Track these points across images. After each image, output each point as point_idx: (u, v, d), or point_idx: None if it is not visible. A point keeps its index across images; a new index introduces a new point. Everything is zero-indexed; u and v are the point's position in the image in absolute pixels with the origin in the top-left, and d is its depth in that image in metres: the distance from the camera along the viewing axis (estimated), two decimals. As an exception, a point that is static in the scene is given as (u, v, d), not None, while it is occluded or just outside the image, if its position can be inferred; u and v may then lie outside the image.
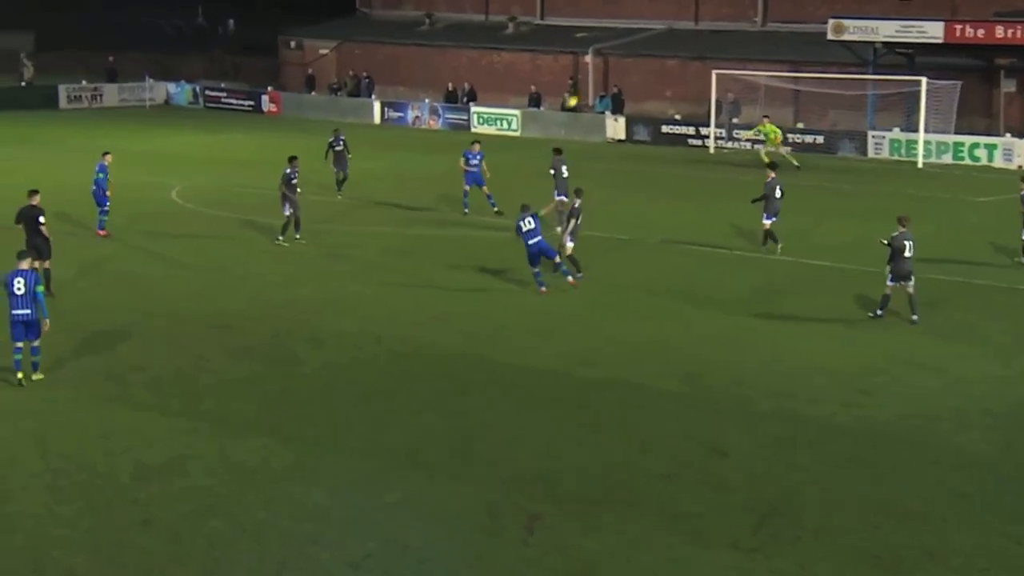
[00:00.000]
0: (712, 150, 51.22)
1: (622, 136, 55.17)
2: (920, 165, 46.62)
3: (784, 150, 46.67)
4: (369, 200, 37.13)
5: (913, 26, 48.77)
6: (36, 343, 19.56)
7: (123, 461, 16.51)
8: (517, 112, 58.00)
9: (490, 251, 29.58)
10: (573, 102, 58.96)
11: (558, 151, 32.66)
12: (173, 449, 16.91)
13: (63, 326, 21.40)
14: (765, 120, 46.95)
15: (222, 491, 15.57)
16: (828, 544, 14.32)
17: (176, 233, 31.73)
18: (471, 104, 60.24)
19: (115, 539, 14.25)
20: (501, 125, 57.79)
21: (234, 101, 67.11)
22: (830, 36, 50.38)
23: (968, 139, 47.67)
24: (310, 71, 69.17)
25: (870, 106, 50.88)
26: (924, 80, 46.23)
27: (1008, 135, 48.00)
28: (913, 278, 23.67)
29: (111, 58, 70.10)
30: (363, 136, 49.95)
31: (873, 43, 50.17)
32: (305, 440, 17.44)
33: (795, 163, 45.37)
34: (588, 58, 61.04)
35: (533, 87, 60.40)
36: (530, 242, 25.46)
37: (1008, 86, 50.90)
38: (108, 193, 30.79)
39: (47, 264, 24.45)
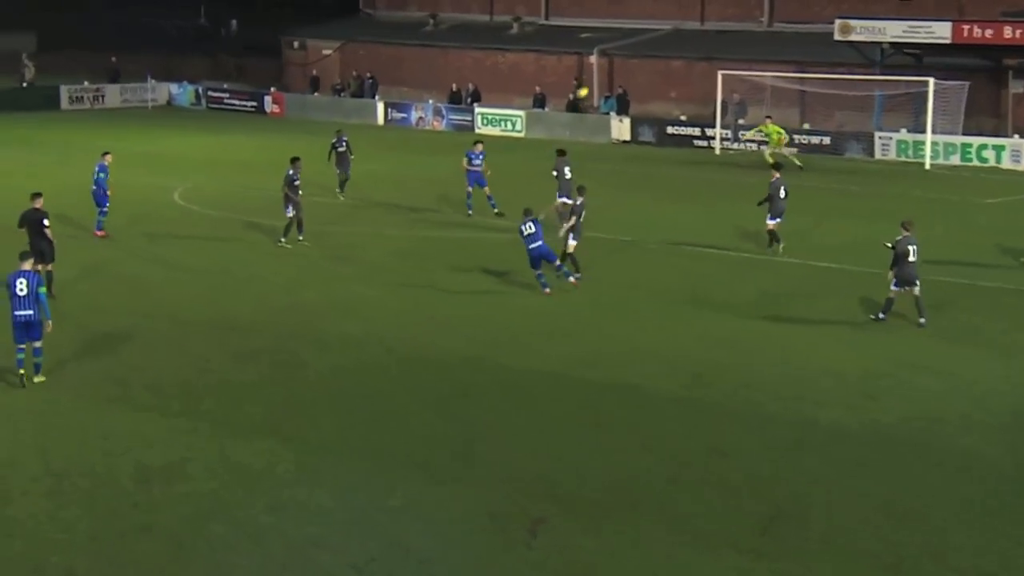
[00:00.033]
0: (718, 151, 51.09)
1: (627, 137, 55.01)
2: (927, 166, 46.44)
3: (788, 151, 46.55)
4: (372, 201, 37.05)
5: (920, 26, 48.57)
6: (38, 344, 19.50)
7: (124, 464, 16.43)
8: (521, 113, 57.81)
9: (493, 253, 29.49)
10: (584, 92, 58.15)
11: (562, 152, 32.47)
12: (174, 452, 16.83)
13: (65, 328, 21.30)
14: (768, 120, 46.82)
15: (224, 494, 15.49)
16: (832, 546, 14.25)
17: (178, 235, 31.65)
18: (475, 105, 60.04)
19: (115, 543, 14.16)
20: (505, 126, 57.64)
21: (237, 102, 66.97)
22: (837, 36, 50.21)
23: (976, 140, 47.45)
24: (313, 72, 69.03)
25: (877, 107, 50.67)
26: (931, 81, 46.05)
27: (1016, 136, 47.74)
28: (918, 282, 23.54)
29: (113, 59, 69.82)
30: (366, 137, 49.87)
31: (880, 43, 49.99)
32: (308, 443, 17.37)
33: (798, 164, 45.19)
34: (593, 59, 60.90)
35: (537, 88, 60.22)
36: (531, 247, 25.52)
37: (1016, 87, 50.68)
38: (108, 193, 30.74)
39: (50, 267, 24.34)
